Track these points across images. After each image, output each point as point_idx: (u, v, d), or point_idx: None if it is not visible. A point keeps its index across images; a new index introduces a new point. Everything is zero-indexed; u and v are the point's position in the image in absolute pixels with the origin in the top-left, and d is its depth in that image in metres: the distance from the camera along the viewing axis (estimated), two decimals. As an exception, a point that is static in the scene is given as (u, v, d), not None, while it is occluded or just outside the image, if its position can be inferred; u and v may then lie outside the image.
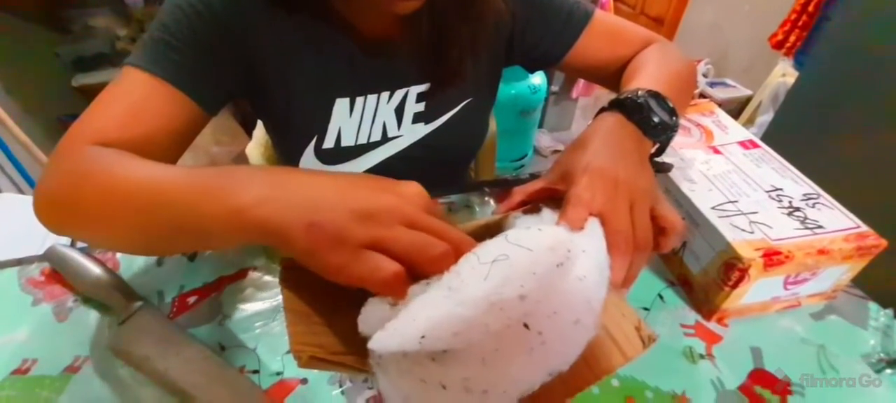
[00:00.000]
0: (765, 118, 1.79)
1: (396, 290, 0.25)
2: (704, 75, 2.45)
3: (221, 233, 0.29)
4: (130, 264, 0.48)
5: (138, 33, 1.55)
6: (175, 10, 0.44)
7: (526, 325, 0.25)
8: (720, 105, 2.13)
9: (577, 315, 0.26)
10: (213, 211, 0.28)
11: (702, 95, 2.38)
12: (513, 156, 1.90)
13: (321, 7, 0.49)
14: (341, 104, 0.54)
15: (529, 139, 1.91)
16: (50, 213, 0.36)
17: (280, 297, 0.45)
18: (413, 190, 0.29)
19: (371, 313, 0.26)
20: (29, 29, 1.48)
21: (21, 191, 1.34)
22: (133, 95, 0.42)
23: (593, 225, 0.31)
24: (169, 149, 0.44)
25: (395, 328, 0.23)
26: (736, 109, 2.25)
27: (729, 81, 2.41)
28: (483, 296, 0.23)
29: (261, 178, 0.29)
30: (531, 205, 0.37)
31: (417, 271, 0.26)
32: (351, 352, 0.28)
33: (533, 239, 0.26)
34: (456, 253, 0.27)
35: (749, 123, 1.92)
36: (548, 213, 0.33)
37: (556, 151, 2.05)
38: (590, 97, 2.06)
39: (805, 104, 1.33)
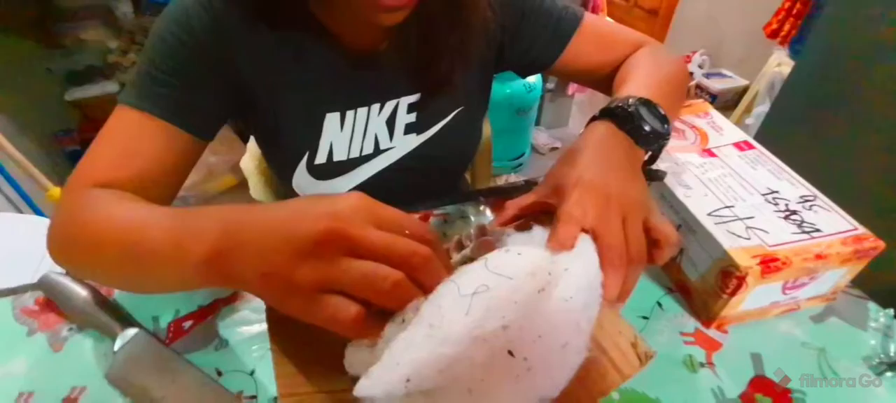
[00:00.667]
0: (762, 108, 1.78)
1: (364, 332, 0.25)
2: (700, 66, 2.44)
3: (194, 284, 0.29)
4: (125, 289, 0.48)
5: (129, 45, 1.55)
6: (159, 42, 0.44)
7: (510, 352, 0.25)
8: (717, 96, 2.13)
9: (566, 338, 0.26)
10: (179, 265, 0.29)
11: (698, 87, 2.38)
12: (510, 156, 1.89)
13: (305, 21, 0.49)
14: (332, 119, 0.54)
15: (526, 137, 1.91)
16: (57, 255, 0.39)
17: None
18: (349, 204, 0.26)
19: (353, 355, 0.25)
20: (22, 46, 1.48)
21: (19, 211, 1.34)
22: (125, 134, 0.43)
23: (584, 242, 0.31)
24: (167, 180, 0.45)
25: (378, 375, 0.22)
26: (733, 100, 2.24)
27: (725, 72, 2.40)
28: (466, 332, 0.23)
29: (217, 229, 0.28)
30: (523, 222, 0.37)
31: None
32: (344, 382, 0.28)
33: (512, 265, 0.26)
34: (411, 272, 0.25)
35: (746, 113, 1.91)
36: (538, 231, 0.33)
37: (553, 148, 2.05)
38: (586, 93, 2.06)
39: (801, 94, 1.32)
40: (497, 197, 0.58)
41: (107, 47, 1.55)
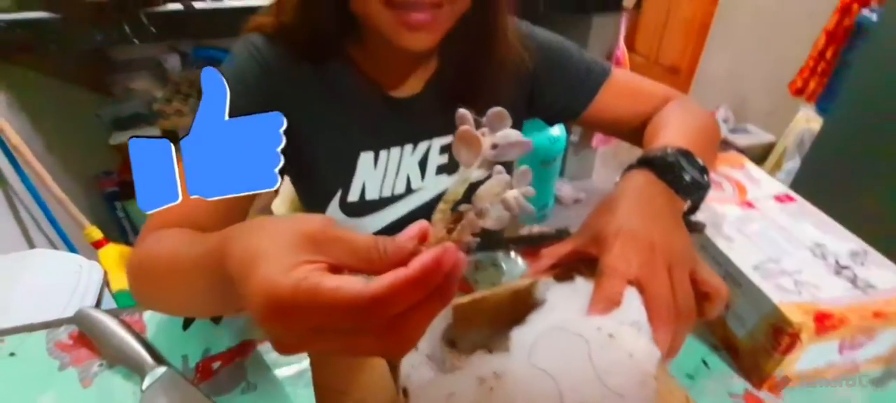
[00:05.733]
0: (791, 164, 1.75)
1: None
2: (725, 121, 2.44)
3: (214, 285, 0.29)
4: (157, 326, 0.48)
5: (174, 95, 1.64)
6: None
7: None
8: (743, 151, 2.11)
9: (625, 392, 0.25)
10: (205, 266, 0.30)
11: (724, 142, 2.36)
12: (534, 206, 1.88)
13: (345, 60, 0.52)
14: (365, 157, 0.55)
15: (550, 188, 1.90)
16: (133, 294, 0.41)
17: (305, 363, 0.44)
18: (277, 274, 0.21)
19: (412, 368, 0.23)
20: (75, 92, 1.58)
21: (54, 247, 1.38)
22: None
23: (631, 296, 0.30)
24: (225, 220, 0.47)
25: None
26: (759, 155, 2.21)
27: (750, 127, 2.39)
28: None
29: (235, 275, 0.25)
30: (562, 271, 0.36)
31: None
32: None
33: (625, 378, 0.24)
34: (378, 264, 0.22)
35: (776, 169, 1.88)
36: (582, 283, 0.32)
37: (577, 200, 2.03)
38: (610, 146, 2.06)
39: (833, 151, 1.30)
40: (527, 245, 0.57)
41: (153, 96, 1.65)
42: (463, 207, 0.25)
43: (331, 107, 0.53)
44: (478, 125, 0.25)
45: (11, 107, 1.27)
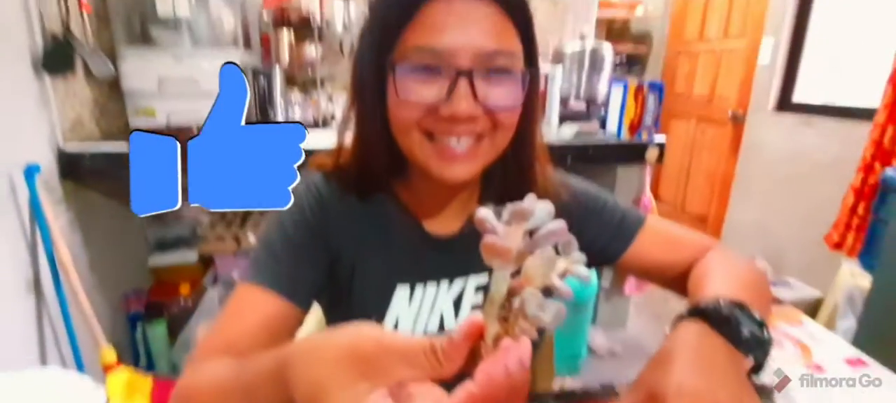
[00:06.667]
0: (847, 323, 1.62)
1: None
2: (762, 274, 2.34)
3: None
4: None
5: (219, 221, 1.73)
6: (277, 224, 0.52)
7: None
8: (790, 308, 1.93)
9: None
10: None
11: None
12: (566, 355, 1.76)
13: (390, 195, 0.55)
14: (402, 291, 0.55)
15: (582, 336, 1.80)
16: None
17: None
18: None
19: None
20: (129, 213, 1.70)
21: (64, 364, 1.35)
22: (235, 305, 0.48)
23: None
24: (269, 346, 0.47)
25: None
26: (806, 312, 2.07)
27: (791, 281, 2.28)
28: None
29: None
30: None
31: None
32: None
33: None
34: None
35: (829, 328, 1.74)
36: None
37: (613, 353, 1.90)
38: (643, 294, 1.99)
39: (890, 311, 1.20)
40: (570, 401, 0.52)
41: (199, 221, 1.74)
42: (513, 283, 0.25)
43: (372, 238, 0.54)
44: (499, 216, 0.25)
45: (72, 225, 1.36)
